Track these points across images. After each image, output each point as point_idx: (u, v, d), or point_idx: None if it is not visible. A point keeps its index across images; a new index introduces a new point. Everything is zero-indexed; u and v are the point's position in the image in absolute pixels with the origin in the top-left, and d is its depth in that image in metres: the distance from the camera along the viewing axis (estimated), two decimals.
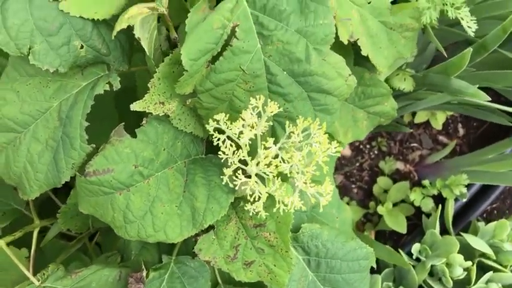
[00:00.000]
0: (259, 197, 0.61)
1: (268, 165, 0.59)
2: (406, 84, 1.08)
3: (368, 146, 1.43)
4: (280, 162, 0.59)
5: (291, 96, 0.67)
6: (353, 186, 1.41)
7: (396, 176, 1.41)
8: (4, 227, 0.86)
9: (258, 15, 0.66)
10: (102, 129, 0.70)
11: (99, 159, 0.65)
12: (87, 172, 0.65)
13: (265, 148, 0.59)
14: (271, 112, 0.61)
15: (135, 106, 0.65)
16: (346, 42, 0.79)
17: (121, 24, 0.62)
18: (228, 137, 0.63)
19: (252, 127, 0.61)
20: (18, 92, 0.71)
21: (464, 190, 1.15)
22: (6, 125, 0.71)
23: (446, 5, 0.91)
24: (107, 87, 0.68)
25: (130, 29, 0.64)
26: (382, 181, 1.35)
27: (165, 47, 0.73)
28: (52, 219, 0.84)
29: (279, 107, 0.62)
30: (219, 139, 0.63)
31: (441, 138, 1.45)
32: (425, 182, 1.24)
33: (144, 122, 0.67)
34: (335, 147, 0.61)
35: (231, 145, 0.60)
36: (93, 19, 0.68)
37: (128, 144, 0.66)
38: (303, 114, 0.68)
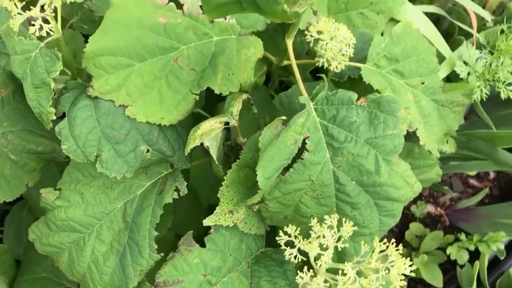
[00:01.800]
0: None
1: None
2: (448, 147, 1.07)
3: None
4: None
5: (358, 205, 0.67)
6: None
7: (427, 220, 1.42)
8: None
9: (328, 125, 0.66)
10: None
11: (169, 270, 0.65)
12: (157, 283, 0.65)
13: (343, 274, 0.59)
14: (348, 233, 0.61)
15: (208, 221, 0.65)
16: (404, 132, 0.79)
17: (195, 141, 0.62)
18: (299, 250, 0.63)
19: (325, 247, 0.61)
20: (82, 193, 0.70)
21: (502, 246, 1.16)
22: (71, 226, 0.71)
23: (498, 82, 0.90)
24: (175, 195, 0.67)
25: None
26: (414, 227, 1.36)
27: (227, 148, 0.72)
28: None
29: (347, 219, 0.63)
30: (290, 254, 0.63)
31: (472, 181, 1.45)
32: (462, 237, 1.25)
33: (212, 230, 0.67)
34: (410, 266, 0.61)
35: (307, 269, 0.60)
36: (160, 124, 0.68)
37: (197, 254, 0.66)
38: (368, 220, 0.69)
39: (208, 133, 0.62)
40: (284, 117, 0.63)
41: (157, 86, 0.69)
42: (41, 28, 0.56)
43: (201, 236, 0.85)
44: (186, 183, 0.69)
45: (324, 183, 0.66)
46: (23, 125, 0.78)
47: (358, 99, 0.66)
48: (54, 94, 0.67)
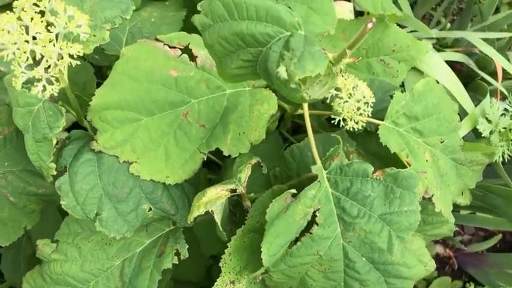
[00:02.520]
0: None
1: None
2: (463, 199, 1.03)
3: None
4: None
5: (367, 282, 0.64)
6: None
7: (436, 261, 1.38)
8: None
9: (340, 197, 0.62)
10: None
11: None
12: None
13: None
14: None
15: None
16: (420, 198, 0.75)
17: (199, 210, 0.59)
18: None
19: None
20: (80, 248, 0.68)
21: None
22: (66, 281, 0.68)
23: None
24: (175, 260, 0.64)
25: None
26: None
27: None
28: None
29: None
30: None
31: None
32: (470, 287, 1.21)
33: None
34: None
35: None
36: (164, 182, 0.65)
37: None
38: None
39: (214, 201, 0.59)
40: (294, 191, 0.60)
41: (164, 142, 0.66)
42: (44, 89, 0.53)
43: (202, 283, 0.82)
44: (187, 246, 0.66)
45: (332, 259, 0.63)
46: (24, 165, 0.75)
47: (374, 172, 0.63)
48: (57, 143, 0.64)
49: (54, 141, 0.60)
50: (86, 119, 0.66)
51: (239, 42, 0.51)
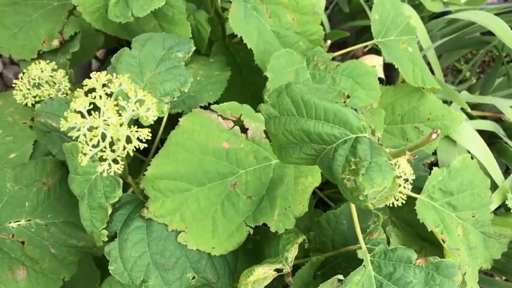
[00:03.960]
0: None
1: None
2: (485, 263, 1.04)
3: None
4: None
5: None
6: None
7: None
8: None
9: (383, 281, 0.64)
10: None
11: None
12: None
13: None
14: None
15: None
16: None
17: None
18: None
19: None
20: None
21: None
22: None
23: None
24: None
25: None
26: None
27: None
28: None
29: None
30: None
31: None
32: None
33: None
34: None
35: None
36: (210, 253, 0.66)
37: None
38: None
39: (261, 282, 0.60)
40: (341, 277, 0.61)
41: (212, 213, 0.67)
42: (109, 168, 0.55)
43: None
44: None
45: None
46: (65, 217, 0.77)
47: (417, 259, 0.64)
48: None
49: (110, 210, 0.61)
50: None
51: (304, 138, 0.53)
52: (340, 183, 0.49)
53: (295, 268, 0.70)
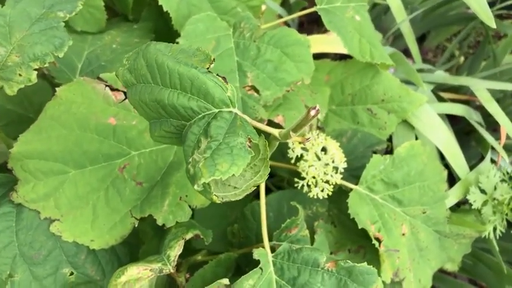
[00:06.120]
0: None
1: None
2: (451, 265, 0.93)
3: None
4: None
5: None
6: None
7: None
8: None
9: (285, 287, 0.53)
10: None
11: None
12: None
13: None
14: None
15: None
16: (388, 281, 0.66)
17: None
18: None
19: None
20: None
21: None
22: None
23: None
24: None
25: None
26: None
27: None
28: None
29: None
30: None
31: None
32: None
33: None
34: None
35: None
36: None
37: None
38: None
39: (133, 283, 0.51)
40: (226, 281, 0.51)
41: (93, 200, 0.58)
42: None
43: None
44: None
45: None
46: None
47: (326, 262, 0.53)
48: None
49: None
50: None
51: (161, 111, 0.43)
52: (186, 170, 0.39)
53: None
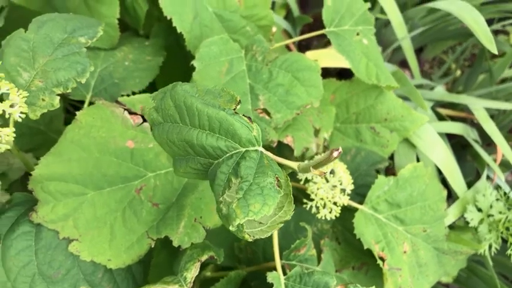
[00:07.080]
0: None
1: None
2: (445, 277, 0.96)
3: None
4: None
5: None
6: None
7: None
8: None
9: None
10: None
11: None
12: None
13: None
14: None
15: None
16: None
17: None
18: None
19: None
20: None
21: None
22: None
23: None
24: None
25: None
26: None
27: None
28: None
29: None
30: None
31: None
32: None
33: None
34: None
35: None
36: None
37: None
38: None
39: None
40: None
41: (111, 221, 0.60)
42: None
43: None
44: None
45: None
46: None
47: (336, 286, 0.56)
48: None
49: None
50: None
51: (189, 150, 0.45)
52: (218, 209, 0.41)
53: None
